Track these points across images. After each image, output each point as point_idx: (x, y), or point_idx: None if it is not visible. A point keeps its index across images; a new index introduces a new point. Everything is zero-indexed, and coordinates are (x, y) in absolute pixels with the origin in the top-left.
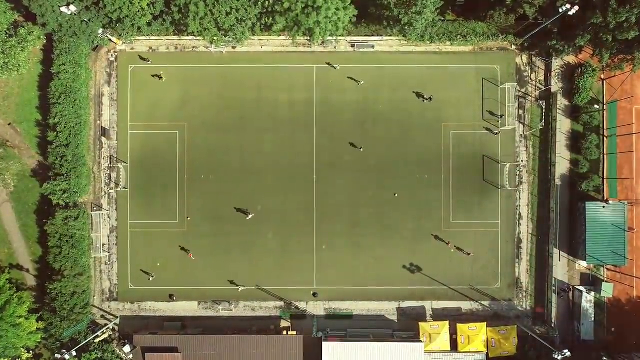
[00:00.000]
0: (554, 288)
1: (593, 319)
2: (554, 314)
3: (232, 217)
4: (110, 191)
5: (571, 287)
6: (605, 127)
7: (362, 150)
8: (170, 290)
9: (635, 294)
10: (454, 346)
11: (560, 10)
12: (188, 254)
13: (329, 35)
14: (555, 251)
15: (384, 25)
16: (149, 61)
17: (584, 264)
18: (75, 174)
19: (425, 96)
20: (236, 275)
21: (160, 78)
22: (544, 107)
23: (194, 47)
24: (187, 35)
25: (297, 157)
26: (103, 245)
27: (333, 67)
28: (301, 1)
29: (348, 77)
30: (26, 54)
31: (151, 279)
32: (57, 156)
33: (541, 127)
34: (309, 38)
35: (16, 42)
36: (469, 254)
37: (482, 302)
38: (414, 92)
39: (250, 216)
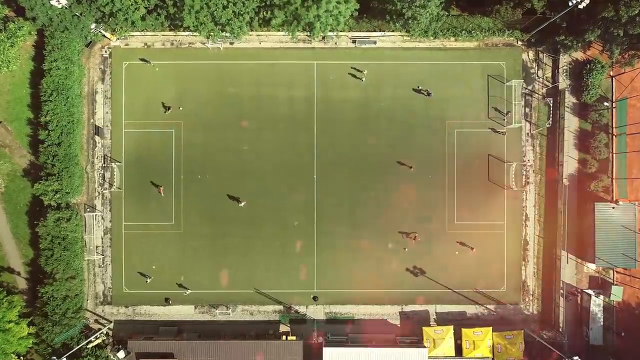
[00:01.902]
0: (561, 291)
1: (602, 323)
2: (561, 318)
3: (229, 218)
4: (104, 191)
5: (579, 291)
6: (614, 126)
7: (412, 169)
8: (166, 294)
9: None
10: (459, 352)
11: (570, 4)
12: (158, 189)
13: (330, 31)
14: (563, 253)
15: (387, 20)
16: (149, 62)
17: (592, 266)
18: (68, 174)
19: (422, 89)
20: (234, 277)
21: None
22: (551, 105)
23: (190, 43)
24: (183, 31)
25: (296, 156)
26: (96, 247)
27: (360, 71)
28: None
29: (349, 74)
30: (16, 50)
31: (148, 281)
32: (48, 155)
33: (548, 126)
34: (309, 33)
35: (5, 37)
36: (472, 249)
37: (488, 306)
38: (413, 88)
39: (242, 203)
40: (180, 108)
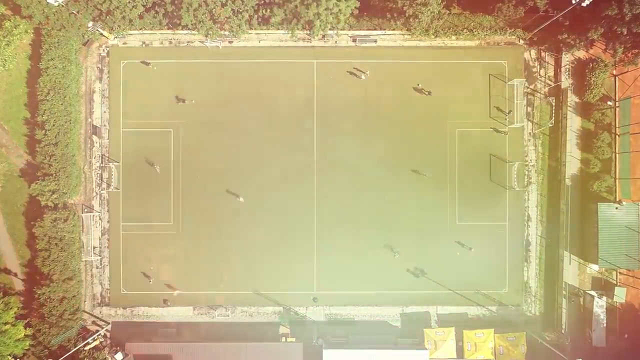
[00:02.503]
0: (564, 293)
1: (605, 325)
2: (564, 320)
3: (228, 219)
4: (102, 192)
5: (582, 292)
6: (617, 125)
7: (426, 176)
8: (164, 295)
9: None
10: (460, 354)
11: (573, 1)
12: (154, 165)
13: (330, 29)
14: (566, 254)
15: (387, 18)
16: (149, 64)
17: (595, 267)
18: (65, 174)
19: (422, 89)
20: (233, 279)
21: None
22: (553, 104)
23: (189, 42)
24: (182, 29)
25: (296, 156)
26: (94, 248)
27: (362, 72)
28: None
29: (350, 73)
30: (12, 49)
31: (152, 281)
32: (45, 155)
33: (551, 125)
34: (308, 32)
35: (1, 35)
36: (470, 249)
37: (489, 307)
38: (413, 87)
39: (241, 198)
40: (193, 101)
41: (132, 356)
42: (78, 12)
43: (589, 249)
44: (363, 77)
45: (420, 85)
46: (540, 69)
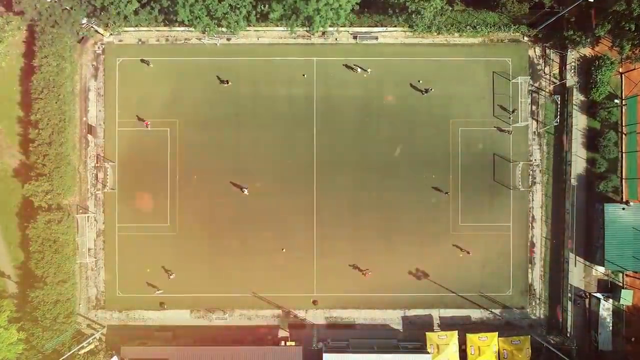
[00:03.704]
0: (569, 295)
1: (611, 328)
2: (569, 323)
3: (227, 220)
4: (97, 192)
5: (588, 294)
6: (624, 124)
7: (447, 194)
8: (160, 298)
9: None
10: (464, 358)
11: None
12: (145, 122)
13: (330, 25)
14: (571, 256)
15: (389, 14)
16: (149, 64)
17: (601, 269)
18: (59, 174)
19: (420, 84)
20: (231, 281)
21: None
22: (558, 103)
23: (186, 39)
24: (178, 26)
25: (296, 157)
26: (89, 250)
27: (364, 70)
28: None
29: (350, 68)
30: (5, 46)
31: (172, 276)
32: (39, 155)
33: (556, 124)
34: (308, 28)
35: None
36: (468, 253)
37: (493, 310)
38: (410, 84)
39: (245, 191)
40: (230, 83)
41: None
42: (72, 8)
43: (595, 251)
44: (359, 70)
45: (421, 81)
46: (545, 66)
